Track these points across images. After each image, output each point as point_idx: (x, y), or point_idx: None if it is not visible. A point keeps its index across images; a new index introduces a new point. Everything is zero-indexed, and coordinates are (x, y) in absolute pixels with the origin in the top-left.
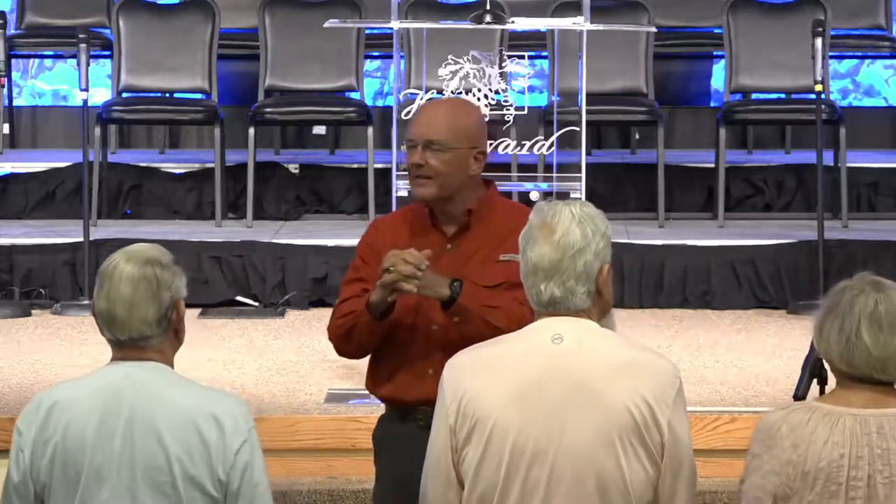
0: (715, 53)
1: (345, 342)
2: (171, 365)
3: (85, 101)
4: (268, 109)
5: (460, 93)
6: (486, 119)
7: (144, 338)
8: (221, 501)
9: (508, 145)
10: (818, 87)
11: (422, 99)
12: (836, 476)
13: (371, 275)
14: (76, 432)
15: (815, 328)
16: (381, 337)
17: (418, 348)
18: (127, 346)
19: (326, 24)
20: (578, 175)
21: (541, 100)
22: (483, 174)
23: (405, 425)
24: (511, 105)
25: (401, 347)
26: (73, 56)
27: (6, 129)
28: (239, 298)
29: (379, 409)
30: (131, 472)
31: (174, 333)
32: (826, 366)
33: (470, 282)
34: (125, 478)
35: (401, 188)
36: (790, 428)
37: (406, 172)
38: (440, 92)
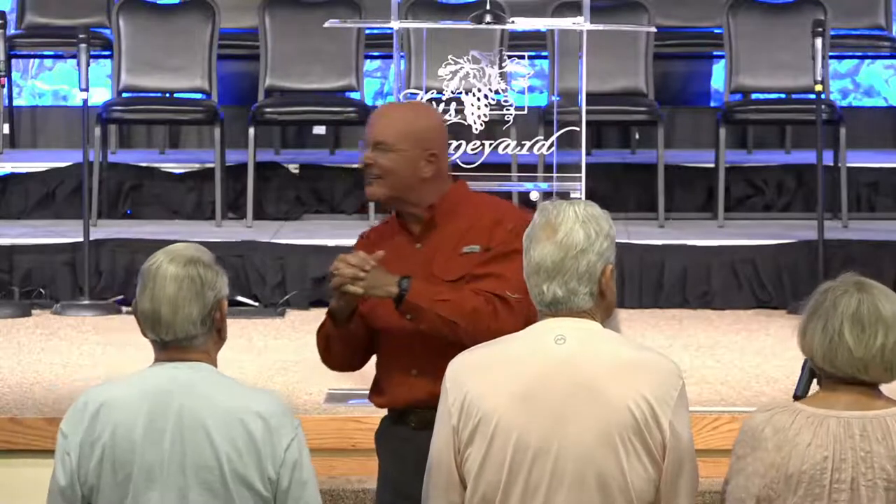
0: (715, 53)
1: (326, 354)
2: (215, 364)
3: (85, 101)
4: (268, 109)
5: (460, 93)
6: (449, 122)
7: (189, 338)
8: (270, 500)
9: (508, 145)
10: (818, 87)
11: (421, 99)
12: (820, 479)
13: None
14: (125, 433)
15: (799, 329)
16: (357, 345)
17: (400, 351)
18: (171, 346)
19: (326, 24)
20: (578, 175)
21: (541, 100)
22: (484, 174)
23: (397, 427)
24: (511, 105)
25: (386, 353)
26: (73, 56)
27: (6, 129)
28: (239, 298)
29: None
30: (182, 471)
31: (217, 333)
32: None
33: (426, 278)
34: (175, 477)
35: None
36: (774, 430)
37: None
38: (440, 92)
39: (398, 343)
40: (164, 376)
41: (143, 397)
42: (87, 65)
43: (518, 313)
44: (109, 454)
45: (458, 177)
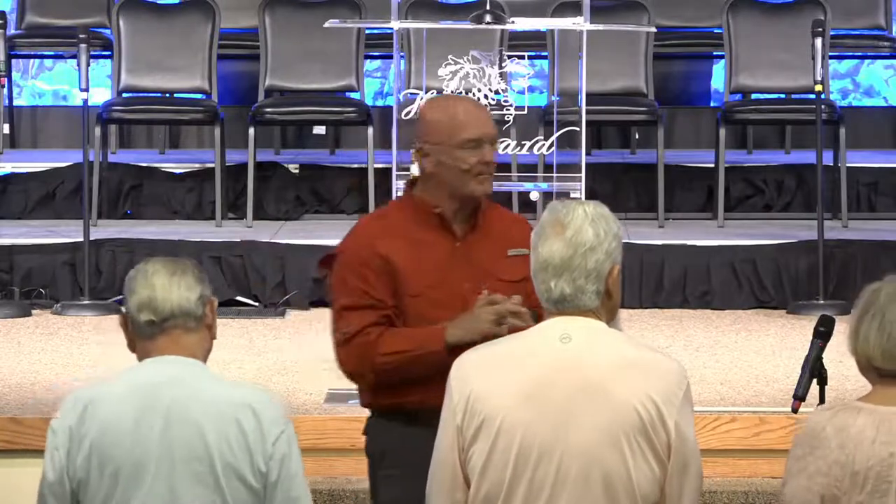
0: (715, 53)
1: (393, 375)
2: (204, 362)
3: (85, 101)
4: (268, 109)
5: (460, 93)
6: None
7: (184, 314)
8: (261, 492)
9: (508, 145)
10: (818, 88)
11: (422, 99)
12: (887, 475)
13: (384, 295)
14: (113, 428)
15: (851, 331)
16: None
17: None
18: (164, 333)
19: (326, 24)
20: (578, 175)
21: (541, 100)
22: None
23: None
24: (511, 105)
25: None
26: (73, 56)
27: (6, 129)
28: (239, 298)
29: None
30: (170, 464)
31: (207, 329)
32: (825, 366)
33: (479, 276)
34: (164, 471)
35: (400, 188)
36: (836, 429)
37: (406, 172)
38: (440, 92)
39: None
40: (154, 371)
41: (133, 392)
42: (87, 65)
43: None
44: (97, 449)
45: None
